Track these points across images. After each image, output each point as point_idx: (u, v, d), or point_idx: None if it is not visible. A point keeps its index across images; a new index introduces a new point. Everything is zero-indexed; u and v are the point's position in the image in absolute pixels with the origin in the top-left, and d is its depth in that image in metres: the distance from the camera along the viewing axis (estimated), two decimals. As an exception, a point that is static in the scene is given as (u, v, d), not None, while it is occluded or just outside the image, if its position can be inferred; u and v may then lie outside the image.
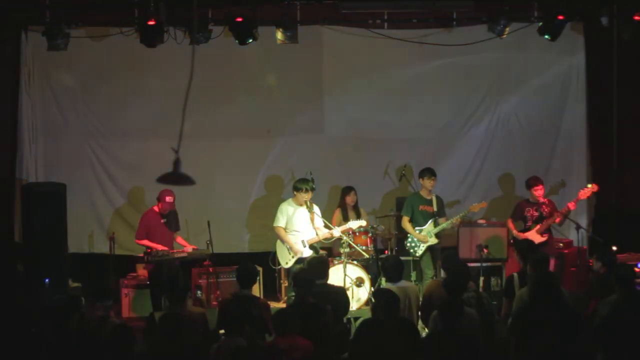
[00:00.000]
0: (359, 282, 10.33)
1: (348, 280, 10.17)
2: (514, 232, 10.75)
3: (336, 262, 10.46)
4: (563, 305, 7.13)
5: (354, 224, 10.42)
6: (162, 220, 10.45)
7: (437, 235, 10.73)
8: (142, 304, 10.78)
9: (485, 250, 10.39)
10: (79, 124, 11.85)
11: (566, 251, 11.14)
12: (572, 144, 12.23)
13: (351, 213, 11.11)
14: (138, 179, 11.79)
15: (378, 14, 11.41)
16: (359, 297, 10.32)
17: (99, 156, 11.92)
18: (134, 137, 11.88)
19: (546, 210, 10.67)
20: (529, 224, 10.69)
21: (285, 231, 10.41)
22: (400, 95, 12.07)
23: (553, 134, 12.25)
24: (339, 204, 11.29)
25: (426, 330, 8.08)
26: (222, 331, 7.48)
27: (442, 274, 9.67)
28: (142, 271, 11.08)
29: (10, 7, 10.96)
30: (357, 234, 10.62)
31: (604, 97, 11.78)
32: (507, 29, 10.75)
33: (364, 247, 10.58)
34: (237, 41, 10.48)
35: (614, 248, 9.80)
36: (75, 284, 10.76)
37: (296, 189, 10.39)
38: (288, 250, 10.43)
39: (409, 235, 10.79)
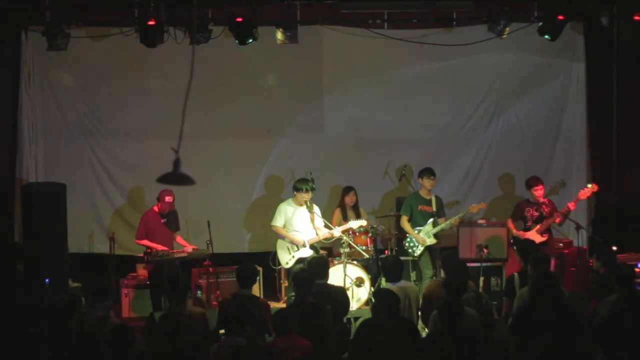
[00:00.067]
0: (359, 282, 10.33)
1: (348, 280, 10.17)
2: (514, 231, 10.75)
3: (336, 262, 10.46)
4: (563, 305, 7.12)
5: (355, 224, 10.42)
6: (162, 220, 10.46)
7: (435, 236, 10.73)
8: (142, 304, 10.78)
9: (485, 250, 10.37)
10: (79, 124, 11.85)
11: (566, 251, 11.14)
12: (572, 144, 12.23)
13: (351, 213, 11.10)
14: (138, 179, 11.79)
15: (378, 14, 11.41)
16: (359, 297, 10.32)
17: (99, 156, 11.92)
18: (134, 137, 11.89)
19: (546, 210, 10.67)
20: (529, 224, 10.69)
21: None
22: (400, 95, 12.07)
23: (553, 134, 12.25)
24: (339, 204, 11.29)
25: (426, 330, 8.08)
26: (222, 331, 7.48)
27: (442, 274, 9.67)
28: (142, 271, 11.08)
29: (10, 7, 10.96)
30: (357, 234, 10.62)
31: (604, 97, 11.80)
32: (507, 29, 10.76)
33: (364, 247, 10.58)
34: (237, 41, 10.49)
35: (614, 248, 9.80)
36: (75, 284, 10.75)
37: (296, 189, 10.39)
38: (288, 250, 10.43)
39: (407, 235, 10.79)
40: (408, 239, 10.78)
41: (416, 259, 10.77)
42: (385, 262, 8.86)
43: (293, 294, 8.58)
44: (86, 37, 11.24)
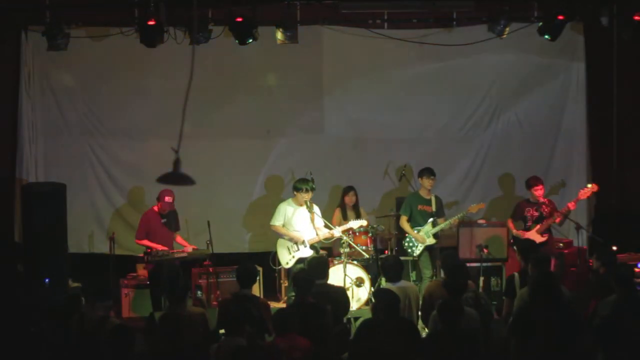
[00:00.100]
0: (359, 282, 10.33)
1: (348, 280, 10.17)
2: (514, 231, 10.75)
3: (336, 262, 10.46)
4: (563, 305, 7.13)
5: (355, 224, 10.42)
6: (162, 220, 10.46)
7: (435, 236, 10.73)
8: (142, 304, 10.78)
9: (485, 250, 10.39)
10: (79, 124, 11.86)
11: (566, 251, 11.14)
12: (572, 144, 12.22)
13: (351, 213, 11.10)
14: (138, 179, 11.79)
15: (378, 14, 11.41)
16: (359, 297, 10.32)
17: (99, 156, 11.92)
18: (134, 137, 11.89)
19: (546, 210, 10.67)
20: (529, 224, 10.69)
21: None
22: (400, 95, 12.07)
23: (553, 134, 12.25)
24: (339, 204, 11.29)
25: (426, 330, 8.08)
26: (222, 331, 7.48)
27: (442, 274, 9.67)
28: (142, 271, 11.08)
29: (10, 7, 10.97)
30: (357, 234, 10.62)
31: (604, 97, 11.80)
32: (507, 29, 10.76)
33: (364, 247, 10.58)
34: (237, 41, 10.49)
35: (614, 248, 9.81)
36: (75, 284, 10.74)
37: (296, 189, 10.40)
38: (288, 250, 10.43)
39: (407, 235, 10.79)
40: (408, 239, 10.78)
41: (416, 259, 10.78)
42: (385, 262, 8.86)
43: (293, 294, 8.58)
44: (86, 37, 11.25)
